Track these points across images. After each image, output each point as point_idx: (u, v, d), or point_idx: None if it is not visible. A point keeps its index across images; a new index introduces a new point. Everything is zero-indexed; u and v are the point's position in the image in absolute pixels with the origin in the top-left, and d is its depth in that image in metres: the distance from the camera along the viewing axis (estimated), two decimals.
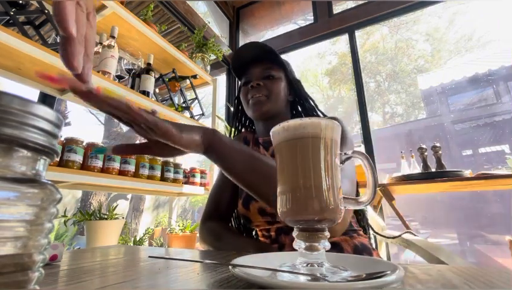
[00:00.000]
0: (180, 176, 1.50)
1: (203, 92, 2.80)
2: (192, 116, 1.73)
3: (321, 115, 0.79)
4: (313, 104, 0.80)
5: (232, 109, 2.52)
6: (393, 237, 0.85)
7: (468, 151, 6.31)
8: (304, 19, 2.82)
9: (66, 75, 0.29)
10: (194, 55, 1.96)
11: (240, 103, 0.87)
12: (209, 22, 2.48)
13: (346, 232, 0.63)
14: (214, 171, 1.77)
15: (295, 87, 0.80)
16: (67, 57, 0.25)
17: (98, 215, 1.32)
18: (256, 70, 0.76)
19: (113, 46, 1.21)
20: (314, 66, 9.24)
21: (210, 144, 0.46)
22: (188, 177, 1.63)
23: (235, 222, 0.81)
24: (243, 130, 0.91)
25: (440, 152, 1.65)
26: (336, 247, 0.59)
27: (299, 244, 0.28)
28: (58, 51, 0.26)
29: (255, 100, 0.73)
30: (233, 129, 0.90)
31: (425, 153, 1.69)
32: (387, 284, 0.21)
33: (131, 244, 1.75)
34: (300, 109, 0.82)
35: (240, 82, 0.83)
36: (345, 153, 0.32)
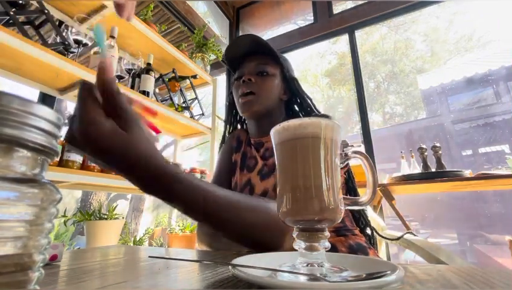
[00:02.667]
0: None
1: (203, 92, 2.80)
2: (192, 116, 1.73)
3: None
4: (310, 102, 0.77)
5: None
6: (397, 239, 0.84)
7: (468, 151, 6.31)
8: (304, 19, 2.82)
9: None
10: (194, 55, 1.96)
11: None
12: (209, 22, 2.49)
13: (340, 233, 0.62)
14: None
15: (291, 85, 0.77)
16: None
17: (98, 215, 1.32)
18: (250, 64, 0.74)
19: (113, 46, 1.21)
20: (314, 66, 9.24)
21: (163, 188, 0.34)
22: None
23: None
24: (238, 126, 0.89)
25: (440, 152, 1.65)
26: (330, 248, 0.58)
27: (299, 244, 0.28)
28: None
29: (244, 100, 0.71)
30: (228, 126, 0.88)
31: (425, 153, 1.69)
32: (387, 284, 0.21)
33: (131, 245, 1.75)
34: (297, 108, 0.80)
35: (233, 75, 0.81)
36: (346, 154, 0.32)
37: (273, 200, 0.45)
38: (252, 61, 0.74)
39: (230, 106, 0.87)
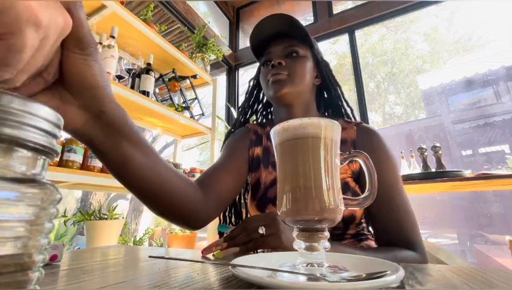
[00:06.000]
0: None
1: (203, 92, 2.80)
2: (192, 116, 1.73)
3: (346, 107, 0.73)
4: (340, 91, 0.72)
5: (232, 109, 2.52)
6: None
7: (468, 151, 6.31)
8: (304, 19, 2.82)
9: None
10: (194, 55, 1.96)
11: (255, 87, 0.79)
12: (209, 22, 2.49)
13: (357, 237, 0.62)
14: None
15: (322, 69, 0.70)
16: None
17: (98, 215, 1.32)
18: (277, 48, 0.67)
19: (113, 46, 1.21)
20: None
21: None
22: (188, 177, 1.63)
23: (234, 217, 0.76)
24: (251, 120, 0.82)
25: (440, 152, 1.64)
26: None
27: (299, 244, 0.28)
28: None
29: (276, 78, 0.64)
30: (242, 112, 0.80)
31: (425, 153, 1.69)
32: (387, 284, 0.21)
33: (131, 245, 1.75)
34: (327, 98, 0.75)
35: (259, 63, 0.74)
36: (345, 153, 0.32)
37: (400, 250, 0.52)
38: (279, 44, 0.68)
39: (249, 97, 0.81)
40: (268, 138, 0.72)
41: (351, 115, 0.73)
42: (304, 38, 0.68)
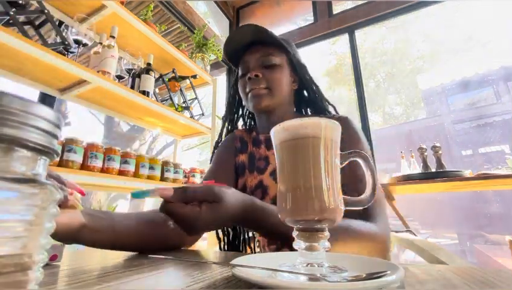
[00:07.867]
0: (180, 176, 1.50)
1: (203, 92, 2.80)
2: (192, 116, 1.73)
3: (328, 106, 0.73)
4: (318, 90, 0.73)
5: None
6: (396, 231, 0.85)
7: (468, 151, 6.32)
8: (304, 19, 2.81)
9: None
10: (194, 55, 1.96)
11: (236, 93, 0.80)
12: (209, 22, 2.49)
13: None
14: None
15: (299, 73, 0.72)
16: None
17: None
18: (253, 57, 0.68)
19: (113, 46, 1.21)
20: (314, 65, 9.24)
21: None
22: (188, 177, 1.63)
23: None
24: (239, 124, 0.84)
25: (440, 152, 1.64)
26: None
27: (299, 244, 0.28)
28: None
29: (255, 93, 0.65)
30: (226, 123, 0.82)
31: (425, 153, 1.69)
32: (387, 284, 0.21)
33: None
34: (307, 97, 0.75)
35: (236, 71, 0.75)
36: (347, 153, 0.32)
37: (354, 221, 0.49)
38: (254, 53, 0.68)
39: (230, 104, 0.82)
40: (254, 144, 0.74)
41: (331, 109, 0.73)
42: (278, 44, 0.68)
